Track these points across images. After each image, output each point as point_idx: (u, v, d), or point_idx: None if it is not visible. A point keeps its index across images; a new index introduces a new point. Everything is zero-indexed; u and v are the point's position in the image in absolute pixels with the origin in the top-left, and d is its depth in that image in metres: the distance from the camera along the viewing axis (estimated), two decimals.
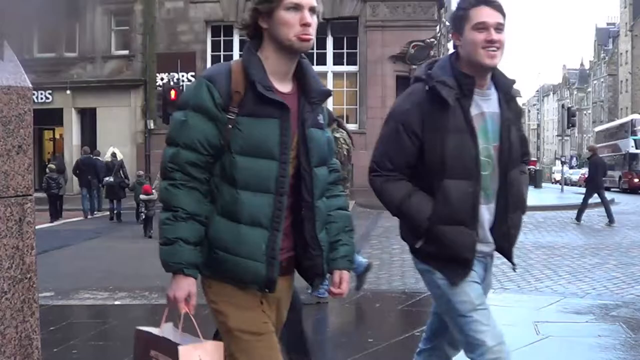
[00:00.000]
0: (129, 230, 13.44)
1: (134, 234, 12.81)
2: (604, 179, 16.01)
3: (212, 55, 23.42)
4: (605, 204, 14.60)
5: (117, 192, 15.29)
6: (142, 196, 12.78)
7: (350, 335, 5.48)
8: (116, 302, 6.72)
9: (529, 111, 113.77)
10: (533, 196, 22.46)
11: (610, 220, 14.05)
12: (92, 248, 11.23)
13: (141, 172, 14.87)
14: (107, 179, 15.38)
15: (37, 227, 2.53)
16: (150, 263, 9.77)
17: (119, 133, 23.37)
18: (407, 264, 8.87)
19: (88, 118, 24.46)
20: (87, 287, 7.41)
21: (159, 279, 7.96)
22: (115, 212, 15.39)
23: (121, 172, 15.70)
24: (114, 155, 16.43)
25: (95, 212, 16.47)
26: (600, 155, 18.55)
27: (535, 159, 53.17)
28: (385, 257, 9.45)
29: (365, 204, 16.90)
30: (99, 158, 17.23)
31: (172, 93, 17.82)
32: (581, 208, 14.76)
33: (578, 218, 14.58)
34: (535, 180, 28.06)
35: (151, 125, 23.26)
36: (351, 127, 22.74)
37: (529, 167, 28.67)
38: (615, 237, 11.69)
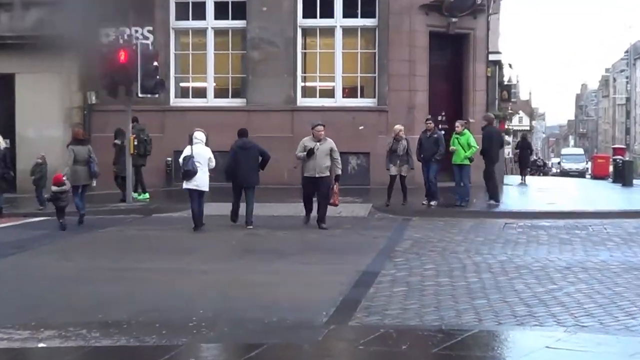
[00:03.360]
0: (57, 245, 13.45)
1: (65, 249, 12.82)
2: None
3: (176, 3, 23.34)
4: None
5: None
6: (53, 187, 15.02)
7: None
8: (41, 345, 6.68)
9: (614, 80, 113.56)
10: (621, 197, 22.43)
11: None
12: (10, 267, 11.21)
13: (41, 155, 18.04)
14: None
15: None
16: (89, 289, 9.70)
17: (47, 108, 23.21)
18: (445, 290, 8.82)
19: (3, 88, 24.47)
20: None
21: (102, 310, 7.94)
22: None
23: (4, 162, 17.53)
24: None
25: None
26: None
27: (624, 147, 52.94)
28: (415, 281, 9.41)
29: (384, 208, 16.74)
30: None
31: (122, 55, 17.79)
32: None
33: None
34: (624, 175, 27.68)
35: (92, 99, 23.20)
36: (368, 102, 22.79)
37: (615, 157, 28.90)
38: None
